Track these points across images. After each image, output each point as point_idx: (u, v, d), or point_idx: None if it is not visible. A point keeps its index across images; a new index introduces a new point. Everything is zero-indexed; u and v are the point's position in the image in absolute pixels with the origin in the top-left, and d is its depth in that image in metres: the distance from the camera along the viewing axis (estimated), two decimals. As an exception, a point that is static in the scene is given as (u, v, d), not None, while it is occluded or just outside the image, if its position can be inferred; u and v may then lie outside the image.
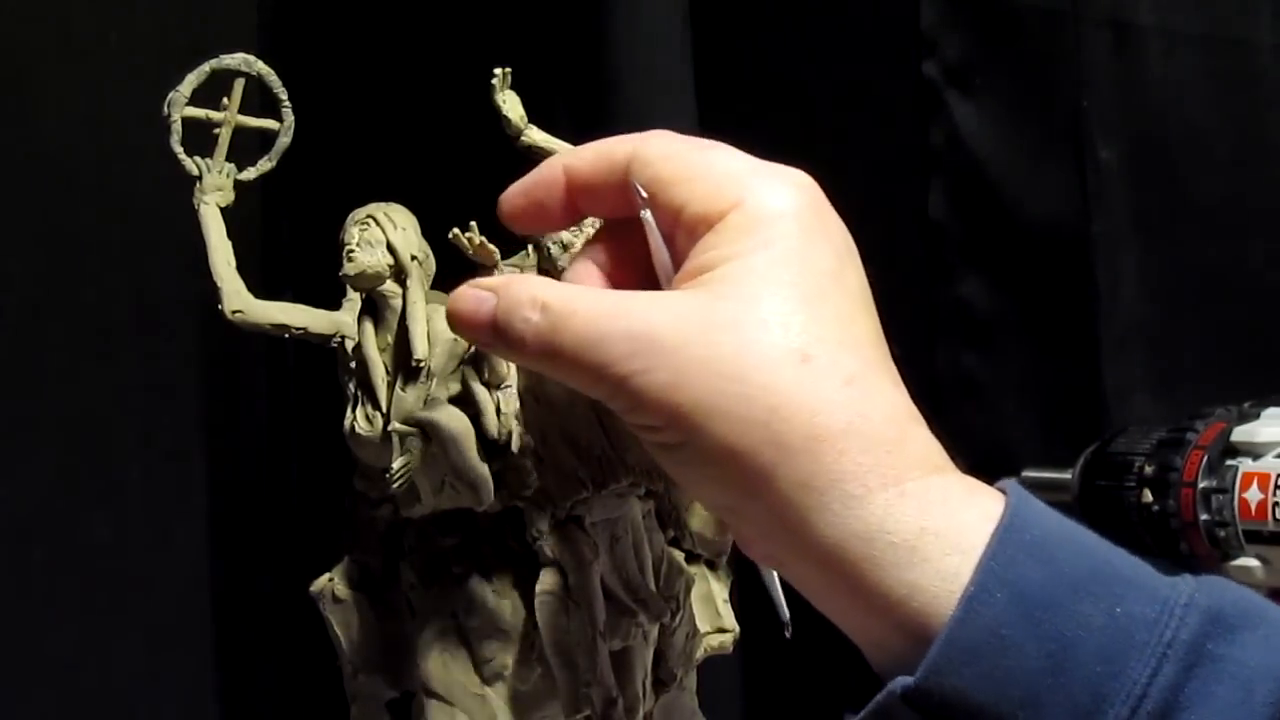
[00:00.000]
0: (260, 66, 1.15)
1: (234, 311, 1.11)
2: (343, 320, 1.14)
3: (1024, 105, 1.67)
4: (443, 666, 1.12)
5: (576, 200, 0.95)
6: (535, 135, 1.13)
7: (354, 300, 1.14)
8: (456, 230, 1.06)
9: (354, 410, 1.11)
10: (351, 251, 1.10)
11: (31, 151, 1.50)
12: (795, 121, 1.66)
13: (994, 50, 1.66)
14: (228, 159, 1.15)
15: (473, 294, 0.91)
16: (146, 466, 1.56)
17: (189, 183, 1.14)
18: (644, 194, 0.91)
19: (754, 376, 0.84)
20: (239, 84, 1.15)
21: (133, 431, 1.55)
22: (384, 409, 1.10)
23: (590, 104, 1.56)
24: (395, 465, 1.06)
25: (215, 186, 1.13)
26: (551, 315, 0.87)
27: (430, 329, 1.10)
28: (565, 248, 1.13)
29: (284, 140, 1.15)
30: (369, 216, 1.11)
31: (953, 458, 0.86)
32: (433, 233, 1.14)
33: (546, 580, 1.11)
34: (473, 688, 1.12)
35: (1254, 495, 1.36)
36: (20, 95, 1.49)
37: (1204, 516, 1.37)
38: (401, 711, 1.17)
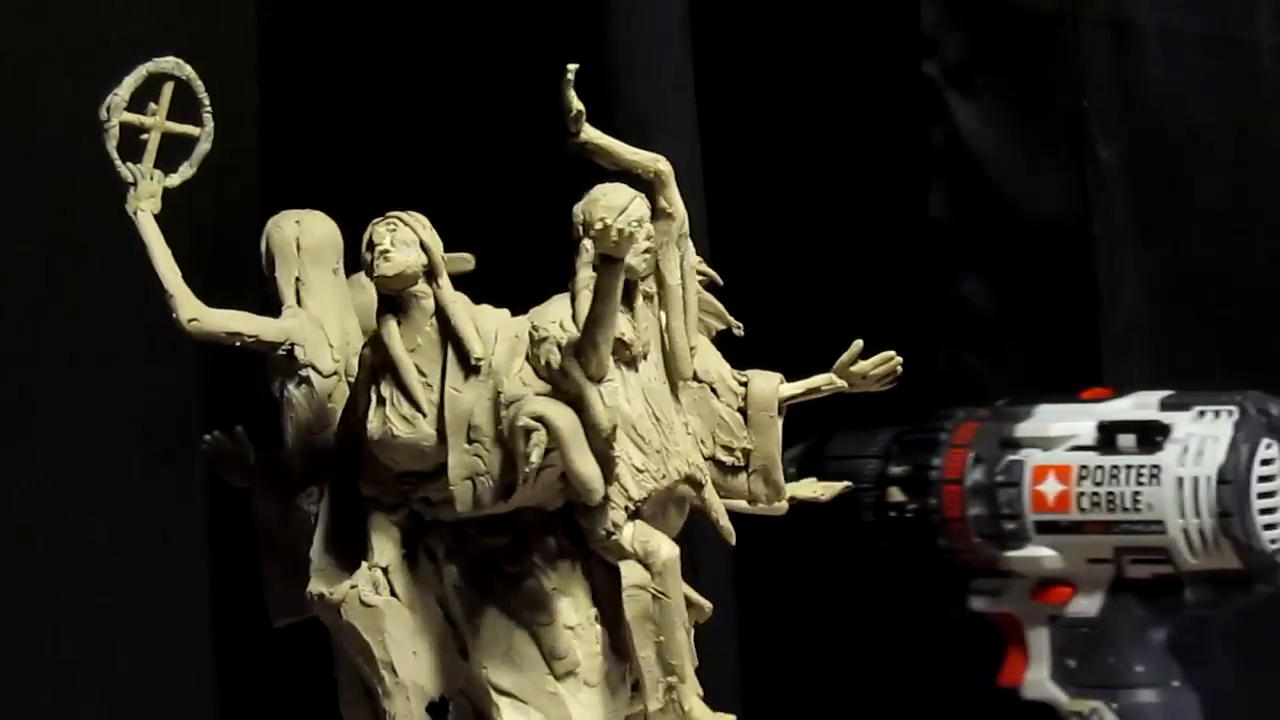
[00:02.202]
0: (189, 70, 1.12)
1: (190, 320, 1.09)
2: (290, 328, 1.13)
3: (1024, 105, 1.67)
4: (513, 666, 1.11)
5: None
6: (593, 133, 1.13)
7: (294, 309, 1.13)
8: (604, 219, 1.06)
9: (380, 412, 1.09)
10: (388, 252, 1.08)
11: (31, 152, 1.50)
12: (795, 121, 1.66)
13: (994, 50, 1.67)
14: (155, 164, 1.11)
15: None
16: (146, 466, 1.56)
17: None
18: None
19: None
20: (168, 88, 1.11)
21: (133, 431, 1.55)
22: (423, 409, 1.08)
23: (590, 104, 1.56)
24: (534, 457, 1.05)
25: (149, 193, 1.10)
26: None
27: (477, 327, 1.09)
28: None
29: (204, 146, 1.12)
30: (395, 218, 1.10)
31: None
32: (437, 231, 1.13)
33: (633, 574, 1.10)
34: (546, 686, 1.11)
35: (1051, 487, 1.44)
36: (20, 95, 1.49)
37: (976, 511, 1.44)
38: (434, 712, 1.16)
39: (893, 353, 1.18)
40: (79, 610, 1.53)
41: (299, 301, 1.14)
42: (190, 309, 1.09)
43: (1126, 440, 1.42)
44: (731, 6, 1.66)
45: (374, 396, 1.09)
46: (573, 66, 1.10)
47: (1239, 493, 1.38)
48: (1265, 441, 1.40)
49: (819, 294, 1.63)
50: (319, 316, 1.14)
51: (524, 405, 1.06)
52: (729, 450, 1.19)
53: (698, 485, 1.15)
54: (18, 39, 1.49)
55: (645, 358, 1.13)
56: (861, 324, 1.45)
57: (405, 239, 1.08)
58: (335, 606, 1.12)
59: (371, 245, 1.08)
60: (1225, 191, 1.65)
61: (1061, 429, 1.46)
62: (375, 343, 1.10)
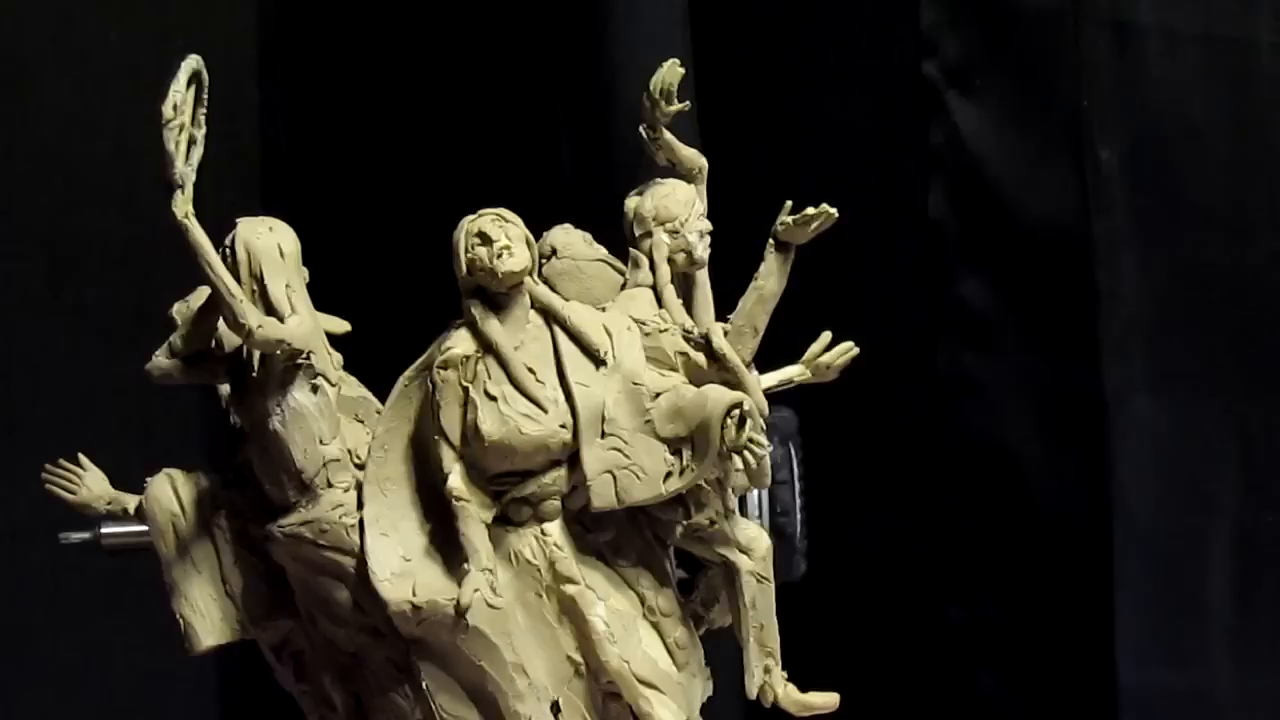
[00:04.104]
0: (204, 73, 1.10)
1: (258, 326, 1.06)
2: (309, 336, 1.09)
3: (1024, 105, 1.67)
4: (649, 659, 1.11)
5: None
6: (669, 135, 1.15)
7: (298, 317, 1.08)
8: (826, 207, 1.08)
9: (495, 411, 1.06)
10: (510, 248, 1.07)
11: (31, 151, 1.50)
12: (796, 121, 1.66)
13: (994, 50, 1.67)
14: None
15: None
16: (146, 466, 1.56)
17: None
18: None
19: None
20: (192, 90, 1.08)
21: (133, 431, 1.55)
22: (544, 406, 1.07)
23: (590, 104, 1.56)
24: (765, 441, 1.06)
25: (189, 196, 1.07)
26: None
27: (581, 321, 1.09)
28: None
29: (199, 150, 1.10)
30: (498, 215, 1.09)
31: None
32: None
33: (743, 561, 1.12)
34: (675, 677, 1.12)
35: None
36: (20, 95, 1.50)
37: None
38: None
39: (850, 343, 1.19)
40: (79, 610, 1.53)
41: (291, 309, 1.10)
42: (255, 316, 1.06)
43: None
44: (731, 6, 1.66)
45: (480, 396, 1.07)
46: (679, 60, 1.11)
47: (792, 491, 1.45)
48: (789, 444, 1.47)
49: (819, 293, 1.63)
50: (315, 325, 1.11)
51: (709, 393, 1.07)
52: None
53: None
54: (18, 38, 1.49)
55: None
56: (861, 323, 1.46)
57: (517, 236, 1.08)
58: (450, 613, 1.08)
59: (488, 240, 1.07)
60: (1225, 191, 1.65)
61: None
62: (477, 339, 1.08)
